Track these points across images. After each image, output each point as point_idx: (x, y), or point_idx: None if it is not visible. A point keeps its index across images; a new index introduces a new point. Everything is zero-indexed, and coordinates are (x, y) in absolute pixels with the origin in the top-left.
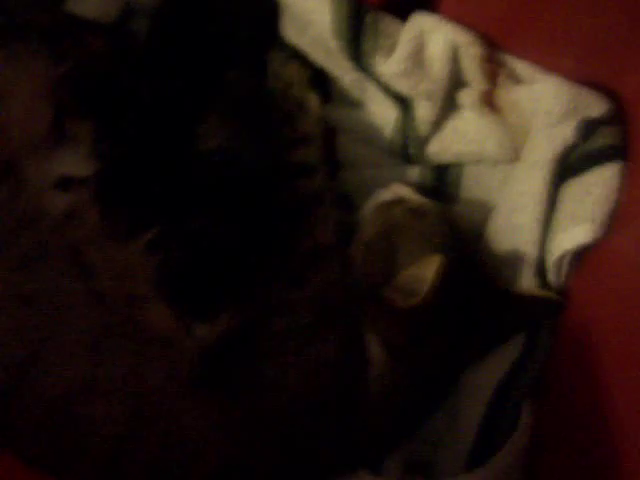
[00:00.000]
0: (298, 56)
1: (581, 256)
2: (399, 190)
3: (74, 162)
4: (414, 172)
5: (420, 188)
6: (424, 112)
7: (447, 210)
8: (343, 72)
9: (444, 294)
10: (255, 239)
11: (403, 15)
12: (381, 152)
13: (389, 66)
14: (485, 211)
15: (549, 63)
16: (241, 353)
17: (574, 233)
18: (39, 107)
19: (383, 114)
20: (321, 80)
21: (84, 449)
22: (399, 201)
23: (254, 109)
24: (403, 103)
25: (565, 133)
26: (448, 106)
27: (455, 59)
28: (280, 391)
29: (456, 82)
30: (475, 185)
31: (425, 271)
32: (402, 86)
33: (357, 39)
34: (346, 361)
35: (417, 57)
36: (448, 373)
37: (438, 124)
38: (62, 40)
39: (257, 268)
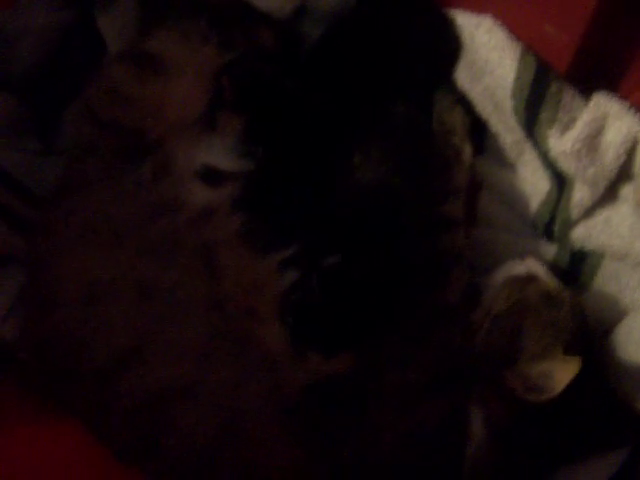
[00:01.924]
0: (463, 101)
1: None
2: (534, 267)
3: (219, 153)
4: (551, 249)
5: (553, 267)
6: (582, 196)
7: (580, 302)
8: (506, 130)
9: (565, 393)
10: (388, 287)
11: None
12: (521, 219)
13: (563, 143)
14: (615, 310)
15: None
16: (346, 398)
17: None
18: (198, 91)
19: (535, 183)
20: (477, 129)
21: (166, 451)
22: (533, 280)
23: (418, 149)
24: (559, 178)
25: None
26: (606, 194)
27: (630, 152)
28: (374, 446)
29: (622, 173)
30: (611, 280)
31: (557, 371)
32: (569, 165)
33: (536, 105)
34: (449, 430)
35: (593, 140)
36: (543, 467)
37: (591, 210)
38: (232, 28)
39: (382, 316)
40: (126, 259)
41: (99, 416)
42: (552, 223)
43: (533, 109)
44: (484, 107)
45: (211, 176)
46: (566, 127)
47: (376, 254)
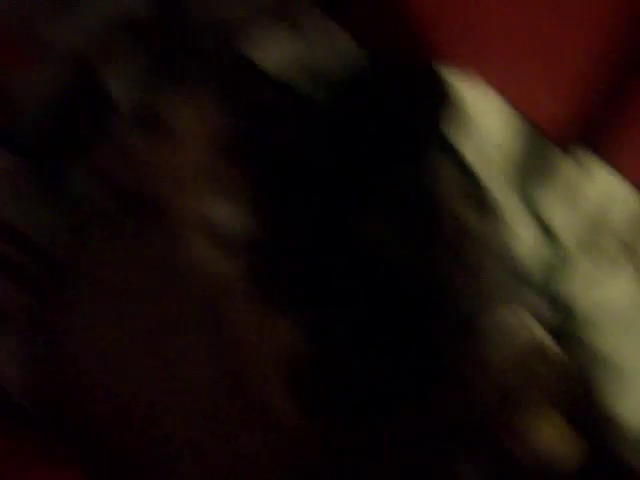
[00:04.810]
0: (458, 161)
1: None
2: (537, 331)
3: (224, 212)
4: (540, 304)
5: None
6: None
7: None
8: (499, 189)
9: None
10: (393, 358)
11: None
12: (512, 273)
13: (558, 213)
14: (603, 370)
15: None
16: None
17: None
18: (207, 154)
19: (528, 240)
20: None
21: None
22: (539, 349)
23: (429, 216)
24: (553, 239)
25: None
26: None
27: (632, 225)
28: None
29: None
30: (600, 340)
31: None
32: (570, 240)
33: (530, 172)
34: None
35: (594, 213)
36: None
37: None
38: (239, 87)
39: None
40: (144, 326)
41: (106, 468)
42: (545, 281)
43: (527, 175)
44: (478, 167)
45: (222, 240)
46: (562, 196)
47: (384, 325)
